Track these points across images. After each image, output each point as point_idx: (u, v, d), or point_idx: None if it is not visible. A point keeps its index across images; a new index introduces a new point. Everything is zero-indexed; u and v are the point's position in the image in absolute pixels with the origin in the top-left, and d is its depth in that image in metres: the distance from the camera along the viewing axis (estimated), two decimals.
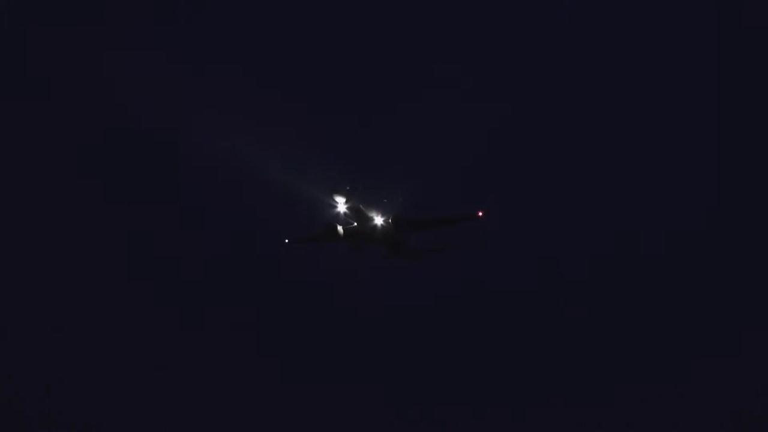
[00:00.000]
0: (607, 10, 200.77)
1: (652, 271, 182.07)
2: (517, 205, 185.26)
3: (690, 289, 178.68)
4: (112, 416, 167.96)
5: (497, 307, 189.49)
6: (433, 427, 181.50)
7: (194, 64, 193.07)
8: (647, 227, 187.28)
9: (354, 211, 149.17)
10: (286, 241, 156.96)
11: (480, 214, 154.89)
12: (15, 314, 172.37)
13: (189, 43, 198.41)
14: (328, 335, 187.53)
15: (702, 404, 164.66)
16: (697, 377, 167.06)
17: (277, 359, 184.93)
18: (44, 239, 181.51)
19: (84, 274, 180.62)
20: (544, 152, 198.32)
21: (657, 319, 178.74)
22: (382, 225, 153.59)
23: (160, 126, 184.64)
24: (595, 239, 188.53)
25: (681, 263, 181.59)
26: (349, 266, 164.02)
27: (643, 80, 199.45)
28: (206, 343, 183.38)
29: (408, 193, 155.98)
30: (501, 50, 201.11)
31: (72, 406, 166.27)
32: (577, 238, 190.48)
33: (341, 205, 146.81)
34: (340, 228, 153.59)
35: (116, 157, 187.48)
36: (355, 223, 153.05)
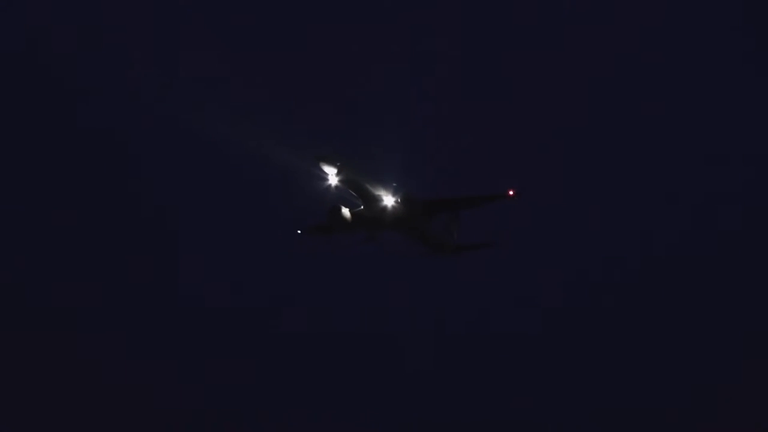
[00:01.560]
0: None
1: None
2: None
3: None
4: None
5: None
6: None
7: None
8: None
9: (353, 186, 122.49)
10: (299, 232, 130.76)
11: (511, 192, 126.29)
12: None
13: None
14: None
15: None
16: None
17: None
18: None
19: None
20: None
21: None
22: (393, 206, 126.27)
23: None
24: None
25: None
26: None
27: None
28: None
29: (417, 169, 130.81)
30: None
31: None
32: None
33: (332, 176, 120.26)
34: (345, 210, 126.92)
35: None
36: (362, 206, 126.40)
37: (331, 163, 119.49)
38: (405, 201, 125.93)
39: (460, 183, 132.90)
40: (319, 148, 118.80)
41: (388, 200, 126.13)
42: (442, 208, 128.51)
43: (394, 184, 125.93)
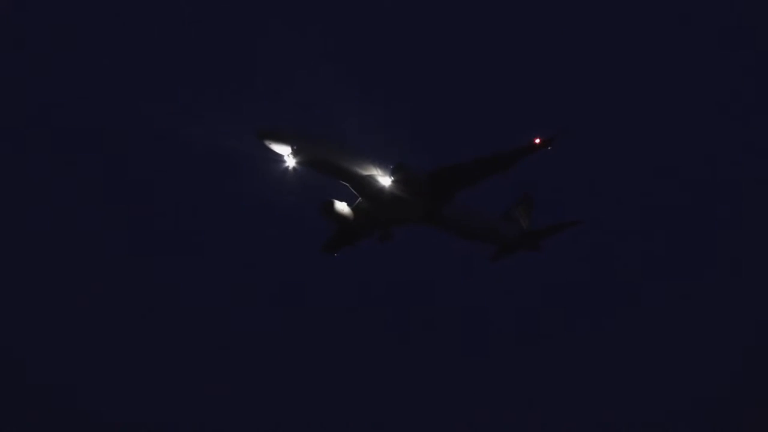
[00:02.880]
0: None
1: None
2: None
3: None
4: None
5: None
6: None
7: None
8: None
9: (327, 167, 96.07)
10: (335, 255, 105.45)
11: (537, 141, 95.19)
12: None
13: None
14: None
15: None
16: None
17: None
18: None
19: None
20: None
21: None
22: (392, 187, 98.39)
23: None
24: None
25: None
26: None
27: None
28: None
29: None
30: None
31: None
32: None
33: (288, 157, 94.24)
34: (340, 205, 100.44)
35: None
36: (358, 195, 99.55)
37: (280, 140, 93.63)
38: (400, 175, 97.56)
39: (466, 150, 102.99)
40: (260, 124, 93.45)
41: (384, 180, 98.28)
42: (454, 181, 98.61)
43: (385, 161, 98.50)
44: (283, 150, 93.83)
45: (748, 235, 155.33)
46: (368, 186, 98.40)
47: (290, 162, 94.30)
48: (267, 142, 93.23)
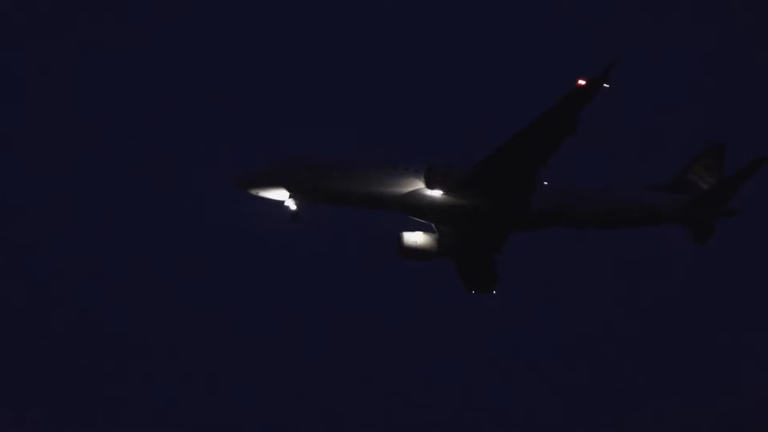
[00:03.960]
0: None
1: None
2: None
3: None
4: None
5: None
6: None
7: None
8: None
9: (345, 196, 74.87)
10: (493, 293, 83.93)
11: (582, 82, 66.12)
12: None
13: None
14: None
15: None
16: None
17: None
18: None
19: None
20: None
21: None
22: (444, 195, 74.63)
23: None
24: None
25: None
26: None
27: None
28: None
29: None
30: None
31: None
32: None
33: (287, 200, 75.05)
34: (412, 237, 78.45)
35: None
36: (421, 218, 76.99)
37: (268, 183, 74.71)
38: (436, 181, 73.16)
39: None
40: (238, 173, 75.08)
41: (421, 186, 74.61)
42: (510, 169, 71.87)
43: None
44: (278, 195, 74.96)
45: None
46: (416, 206, 75.28)
47: (291, 204, 75.05)
48: (254, 191, 75.08)
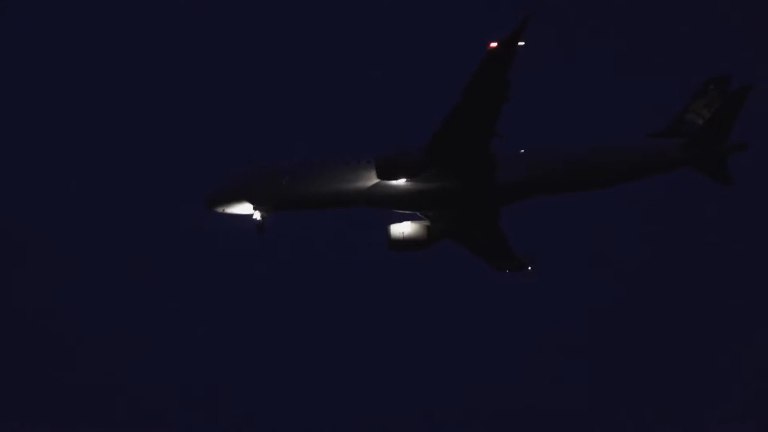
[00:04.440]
0: None
1: None
2: None
3: None
4: None
5: None
6: None
7: None
8: None
9: (311, 200, 73.05)
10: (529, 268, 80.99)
11: (493, 45, 61.46)
12: None
13: None
14: None
15: None
16: None
17: None
18: None
19: None
20: None
21: None
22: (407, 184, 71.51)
23: None
24: None
25: None
26: None
27: None
28: None
29: None
30: None
31: None
32: None
33: (255, 213, 74.15)
34: (399, 227, 75.47)
35: None
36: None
37: (231, 199, 73.93)
38: (388, 169, 69.89)
39: None
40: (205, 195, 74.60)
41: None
42: (454, 149, 67.49)
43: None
44: (244, 208, 73.95)
45: None
46: (383, 198, 72.22)
47: (258, 216, 73.81)
48: (221, 209, 74.38)
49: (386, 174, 69.78)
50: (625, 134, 74.47)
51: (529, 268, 77.47)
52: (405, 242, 74.63)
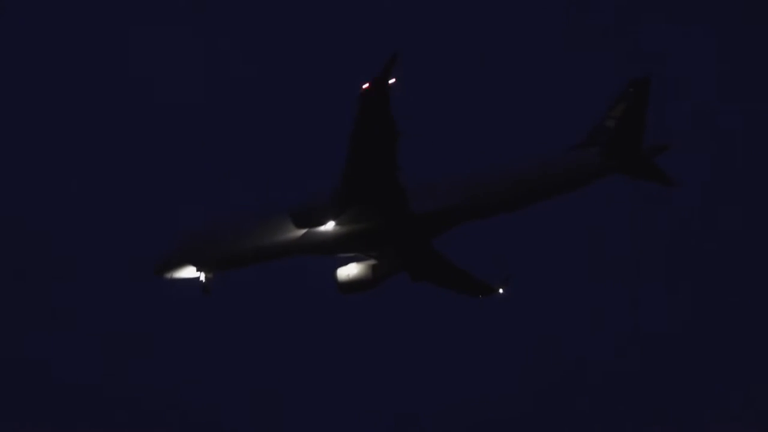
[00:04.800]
0: None
1: None
2: None
3: None
4: None
5: None
6: None
7: None
8: None
9: (248, 257, 75.02)
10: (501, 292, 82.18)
11: (365, 86, 62.81)
12: None
13: None
14: None
15: None
16: None
17: None
18: None
19: None
20: None
21: None
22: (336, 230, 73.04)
23: None
24: None
25: None
26: None
27: None
28: None
29: None
30: None
31: None
32: None
33: (201, 275, 76.64)
34: (346, 270, 76.92)
35: None
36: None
37: (177, 265, 76.52)
38: (304, 218, 71.46)
39: None
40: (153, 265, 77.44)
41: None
42: (361, 187, 68.50)
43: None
44: (189, 272, 76.36)
45: None
46: (314, 245, 73.54)
47: (203, 277, 76.07)
48: (168, 275, 76.95)
49: (303, 223, 71.28)
50: (543, 151, 74.10)
51: (500, 291, 77.90)
52: (353, 284, 75.79)
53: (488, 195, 71.56)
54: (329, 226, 71.97)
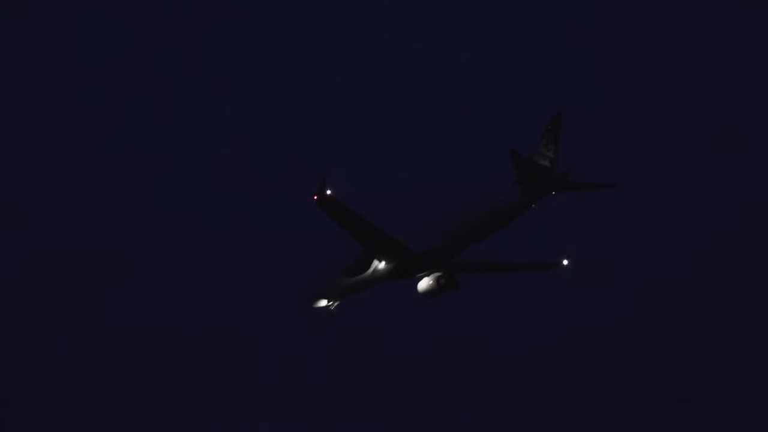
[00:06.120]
0: None
1: None
2: None
3: None
4: None
5: None
6: None
7: None
8: None
9: (357, 290, 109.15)
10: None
11: (316, 197, 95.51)
12: None
13: None
14: None
15: None
16: None
17: None
18: None
19: None
20: None
21: None
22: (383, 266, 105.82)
23: None
24: None
25: None
26: None
27: None
28: None
29: None
30: None
31: None
32: None
33: (329, 304, 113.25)
34: (423, 285, 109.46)
35: None
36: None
37: (315, 300, 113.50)
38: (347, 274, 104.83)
39: None
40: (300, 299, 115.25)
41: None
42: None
43: None
44: (323, 302, 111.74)
45: None
46: (383, 276, 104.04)
47: (331, 307, 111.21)
48: (311, 306, 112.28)
49: (350, 275, 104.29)
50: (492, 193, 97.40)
51: (564, 263, 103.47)
52: (428, 292, 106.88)
53: (461, 235, 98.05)
54: (382, 265, 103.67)
